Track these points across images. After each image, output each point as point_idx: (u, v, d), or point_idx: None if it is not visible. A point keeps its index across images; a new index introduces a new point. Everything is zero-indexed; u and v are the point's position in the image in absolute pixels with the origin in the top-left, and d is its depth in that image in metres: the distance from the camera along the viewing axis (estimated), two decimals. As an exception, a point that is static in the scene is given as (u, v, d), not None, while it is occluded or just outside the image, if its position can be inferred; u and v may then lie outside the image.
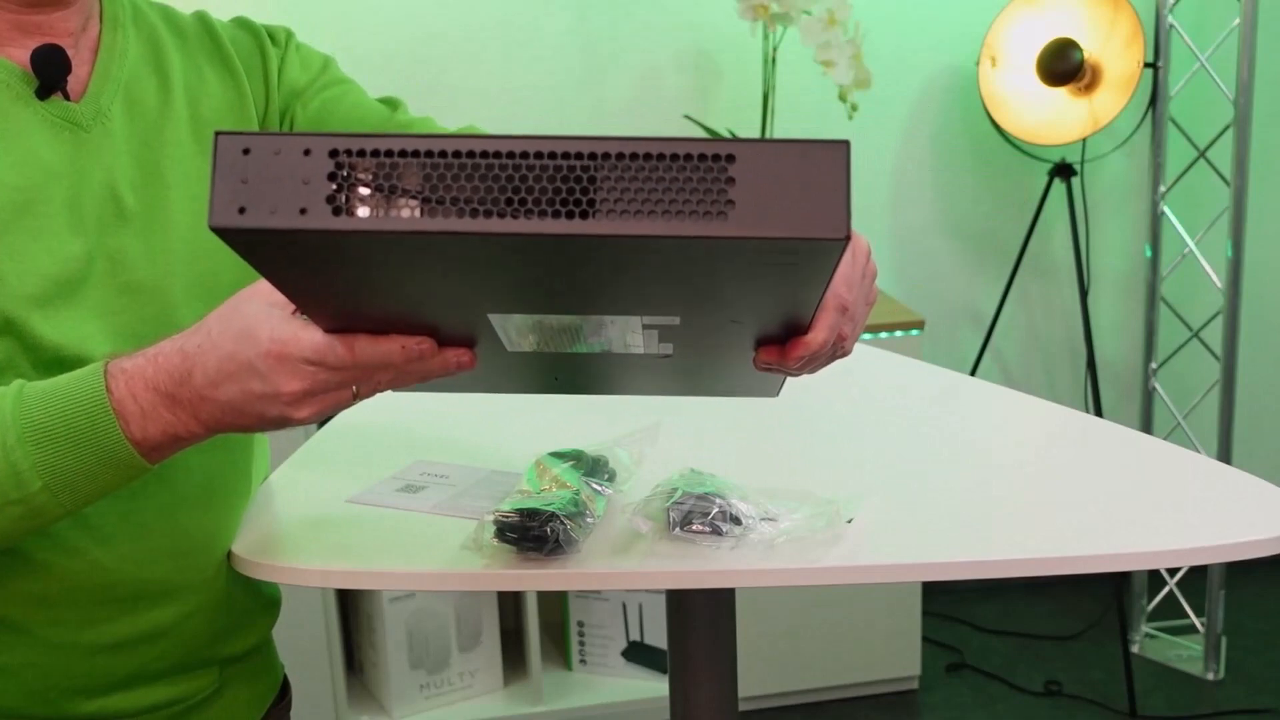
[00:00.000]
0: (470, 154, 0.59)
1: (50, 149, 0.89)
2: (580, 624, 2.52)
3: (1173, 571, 2.89)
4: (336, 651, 2.31)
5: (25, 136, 0.88)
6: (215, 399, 0.76)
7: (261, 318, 0.74)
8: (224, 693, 1.02)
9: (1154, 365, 2.81)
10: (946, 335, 2.94)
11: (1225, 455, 2.65)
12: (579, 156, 0.58)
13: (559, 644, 2.61)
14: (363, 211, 0.59)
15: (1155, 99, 2.72)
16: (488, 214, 0.58)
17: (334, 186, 0.59)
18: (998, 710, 2.56)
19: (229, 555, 0.96)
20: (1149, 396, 2.82)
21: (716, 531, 0.89)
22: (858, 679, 2.57)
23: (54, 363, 0.87)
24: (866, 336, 2.43)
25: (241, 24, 1.06)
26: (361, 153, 0.59)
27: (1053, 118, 2.61)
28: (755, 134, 2.65)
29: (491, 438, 1.16)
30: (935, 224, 2.90)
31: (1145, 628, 2.86)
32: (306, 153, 0.60)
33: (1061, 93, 2.59)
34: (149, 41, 0.98)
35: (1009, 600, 3.00)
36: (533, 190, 0.59)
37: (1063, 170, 2.68)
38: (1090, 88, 2.58)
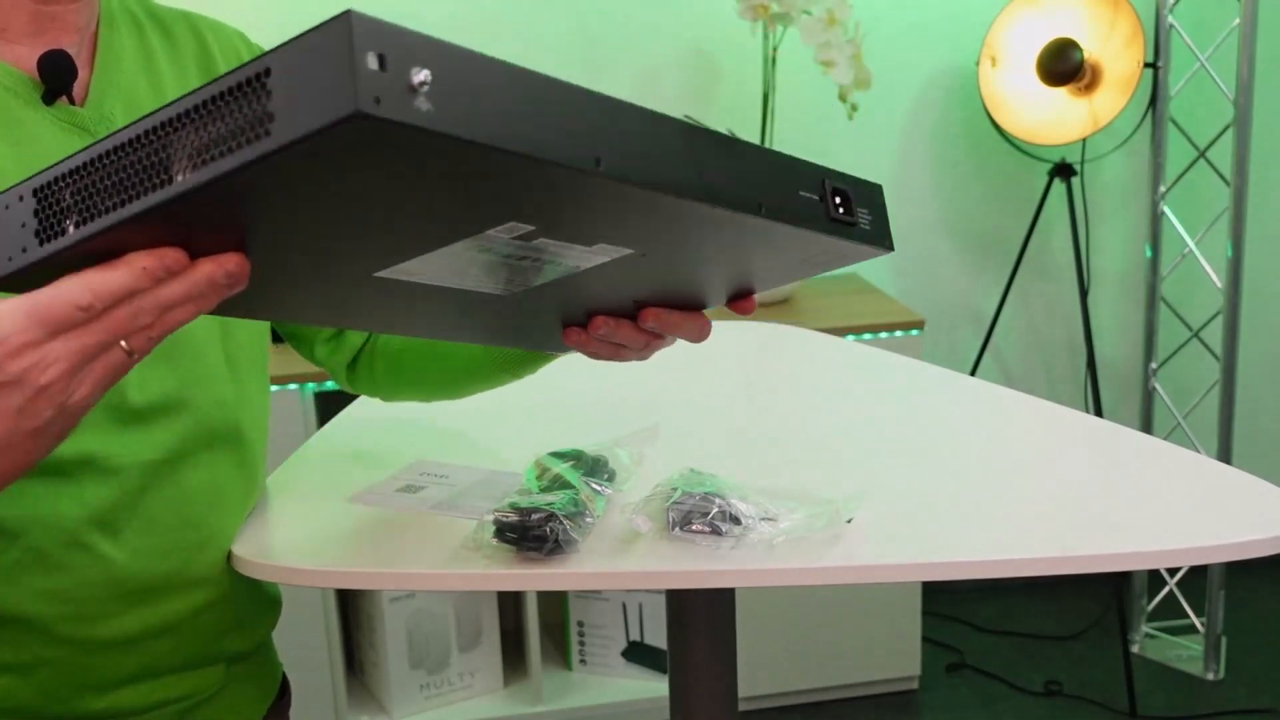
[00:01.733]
0: (93, 162, 0.61)
1: (63, 154, 0.89)
2: (580, 624, 2.52)
3: (1173, 571, 2.89)
4: (336, 651, 2.31)
5: (39, 143, 0.88)
6: None
7: None
8: (229, 689, 1.03)
9: (1154, 365, 2.81)
10: (946, 335, 2.95)
11: (1225, 455, 2.65)
12: (154, 132, 0.59)
13: (559, 644, 2.61)
14: (68, 233, 0.63)
15: (1155, 99, 2.72)
16: (117, 206, 0.61)
17: (38, 221, 0.63)
18: (998, 710, 2.56)
19: (229, 555, 0.96)
20: (1149, 396, 2.82)
21: (716, 531, 0.89)
22: (858, 679, 2.57)
23: None
24: (866, 336, 2.43)
25: (230, 32, 1.05)
26: (53, 183, 0.63)
27: (1053, 118, 2.61)
28: (755, 134, 2.65)
29: (491, 438, 1.16)
30: (935, 224, 2.90)
31: (1145, 628, 2.86)
32: (20, 199, 0.64)
33: (1061, 93, 2.59)
34: (138, 41, 0.98)
35: (1009, 600, 3.00)
36: (130, 177, 0.60)
37: (1063, 170, 2.68)
38: (1090, 88, 2.58)
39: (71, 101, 0.91)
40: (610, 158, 0.62)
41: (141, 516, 0.91)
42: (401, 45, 0.53)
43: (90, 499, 0.89)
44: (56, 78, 0.89)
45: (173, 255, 0.62)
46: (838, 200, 0.78)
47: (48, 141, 0.88)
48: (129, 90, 0.95)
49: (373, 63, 0.52)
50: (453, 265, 0.72)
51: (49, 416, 0.64)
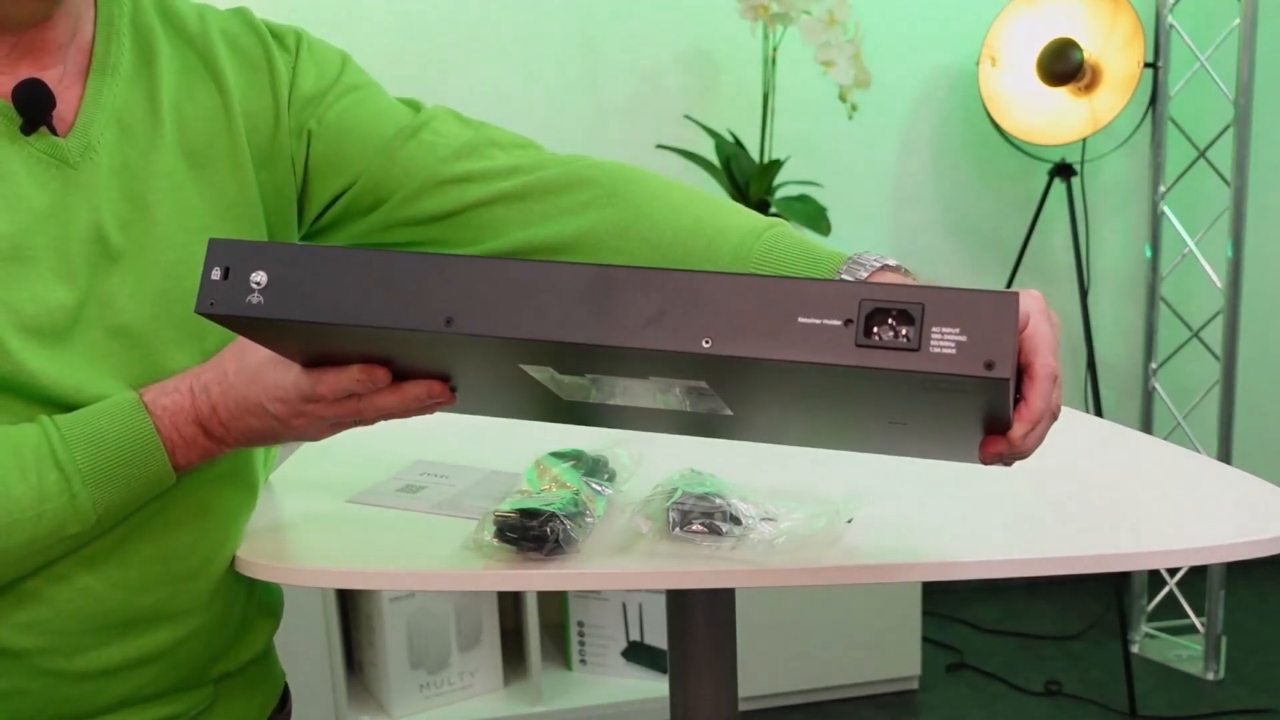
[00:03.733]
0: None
1: (37, 190, 0.85)
2: (580, 624, 2.52)
3: (1173, 571, 2.89)
4: (336, 651, 2.31)
5: (10, 179, 0.84)
6: (240, 428, 0.86)
7: (266, 367, 0.82)
8: (217, 707, 1.00)
9: (1154, 365, 2.81)
10: (946, 335, 2.94)
11: (1225, 455, 2.65)
12: None
13: (559, 644, 2.61)
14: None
15: (1155, 99, 2.72)
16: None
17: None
18: (998, 710, 2.56)
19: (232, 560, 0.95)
20: (1149, 396, 2.82)
21: (716, 531, 0.89)
22: (858, 679, 2.57)
23: (45, 403, 0.85)
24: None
25: (247, 24, 0.99)
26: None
27: (1053, 118, 2.61)
28: (755, 134, 2.65)
29: (491, 438, 1.16)
30: (935, 224, 2.90)
31: (1145, 628, 2.86)
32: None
33: (1061, 93, 2.59)
34: (143, 50, 0.93)
35: (1009, 600, 3.00)
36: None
37: (1063, 170, 2.68)
38: (1090, 88, 2.58)
39: (52, 130, 0.87)
40: (463, 316, 0.68)
41: (123, 549, 0.89)
42: (244, 255, 0.70)
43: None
44: (31, 108, 0.85)
45: (379, 373, 0.77)
46: (886, 321, 0.63)
47: (20, 177, 0.85)
48: (121, 112, 0.91)
49: (217, 274, 0.70)
50: (579, 390, 0.77)
51: (290, 439, 0.87)
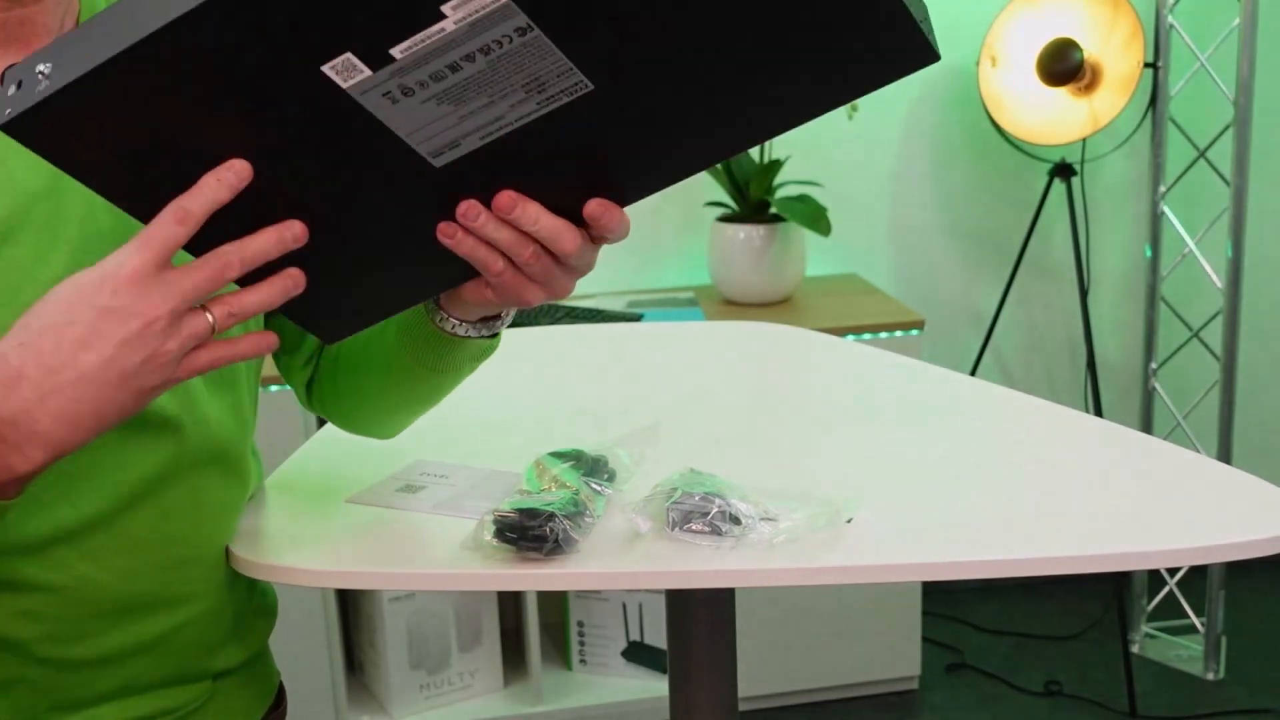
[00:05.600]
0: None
1: (30, 171, 0.85)
2: (580, 624, 2.52)
3: (1173, 571, 2.89)
4: (336, 651, 2.31)
5: (3, 163, 0.84)
6: (64, 387, 0.71)
7: (80, 279, 0.72)
8: (214, 702, 1.00)
9: (1154, 365, 2.81)
10: (946, 335, 2.95)
11: (1225, 455, 2.65)
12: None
13: (559, 644, 2.61)
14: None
15: (1155, 99, 2.72)
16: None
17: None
18: (998, 710, 2.56)
19: (228, 555, 0.96)
20: (1149, 396, 2.83)
21: (716, 531, 0.89)
22: (858, 679, 2.57)
23: None
24: (866, 336, 2.43)
25: None
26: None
27: (1053, 118, 2.61)
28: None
29: (491, 438, 1.16)
30: (935, 224, 2.90)
31: (1145, 628, 2.86)
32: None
33: (1061, 93, 2.59)
34: None
35: (1009, 600, 3.00)
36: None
37: (1063, 170, 2.68)
38: (1090, 88, 2.58)
39: None
40: None
41: (119, 535, 0.89)
42: (32, 61, 0.70)
43: (63, 519, 0.87)
44: None
45: (237, 164, 0.70)
46: None
47: (13, 160, 0.85)
48: None
49: (12, 90, 0.70)
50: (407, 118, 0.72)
51: (143, 358, 0.71)
